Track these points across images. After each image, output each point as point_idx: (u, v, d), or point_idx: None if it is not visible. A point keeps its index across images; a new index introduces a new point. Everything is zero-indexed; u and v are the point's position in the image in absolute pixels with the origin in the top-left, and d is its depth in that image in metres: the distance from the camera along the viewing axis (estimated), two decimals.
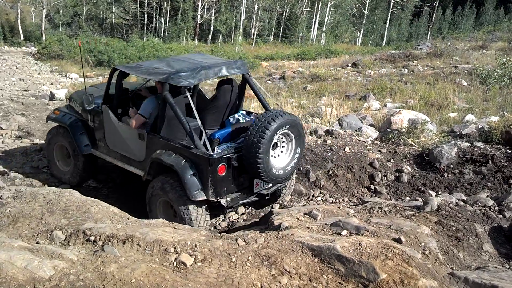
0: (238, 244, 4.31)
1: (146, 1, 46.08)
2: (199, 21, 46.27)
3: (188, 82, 5.59)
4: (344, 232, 4.53)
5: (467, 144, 7.48)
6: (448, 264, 4.40)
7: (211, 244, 4.28)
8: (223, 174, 5.43)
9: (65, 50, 28.33)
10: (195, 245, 4.22)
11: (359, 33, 54.06)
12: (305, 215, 5.16)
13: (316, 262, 4.06)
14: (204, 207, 5.57)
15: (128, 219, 5.10)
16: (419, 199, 6.56)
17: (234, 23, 47.91)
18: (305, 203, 6.90)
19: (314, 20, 49.30)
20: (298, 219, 5.03)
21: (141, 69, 6.02)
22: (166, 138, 5.71)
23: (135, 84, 6.98)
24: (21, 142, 8.81)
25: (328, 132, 8.39)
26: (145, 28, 46.76)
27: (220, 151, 5.41)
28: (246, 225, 6.09)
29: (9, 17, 49.85)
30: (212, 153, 5.28)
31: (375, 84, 15.94)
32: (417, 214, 5.24)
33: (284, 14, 49.23)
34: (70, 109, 7.11)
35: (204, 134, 5.41)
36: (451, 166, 7.24)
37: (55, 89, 16.27)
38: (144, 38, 42.22)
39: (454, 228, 5.05)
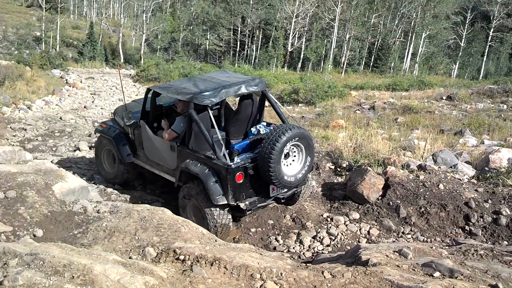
0: (324, 277, 4.26)
1: (239, 29, 47.46)
2: (289, 49, 46.87)
3: (210, 101, 6.37)
4: (437, 274, 4.34)
5: None
6: None
7: (296, 274, 4.27)
8: (241, 181, 6.19)
9: (162, 74, 29.73)
10: (281, 274, 4.22)
11: (454, 66, 52.10)
12: (395, 253, 5.00)
13: None
14: (226, 210, 6.36)
15: (215, 241, 5.22)
16: None
17: (324, 52, 47.96)
18: (394, 239, 6.69)
19: (407, 50, 48.20)
20: (387, 256, 4.89)
21: (171, 89, 6.89)
22: (193, 149, 6.57)
23: (169, 99, 7.80)
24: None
25: (421, 167, 8.11)
26: (237, 54, 48.09)
27: (238, 161, 6.22)
28: (331, 257, 5.99)
29: (111, 40, 53.48)
30: (230, 163, 6.09)
31: (471, 119, 15.23)
32: None
33: (376, 43, 48.60)
34: (114, 122, 8.17)
35: (223, 147, 6.21)
36: None
37: None
38: (236, 64, 43.40)
39: None
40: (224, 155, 6.16)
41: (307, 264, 4.83)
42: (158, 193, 7.77)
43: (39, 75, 27.77)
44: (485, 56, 52.30)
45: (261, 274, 4.19)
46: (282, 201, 7.01)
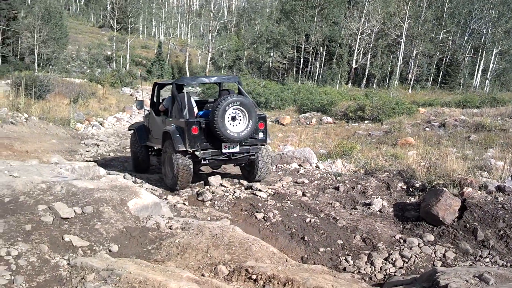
0: None
1: (303, 46, 47.54)
2: (354, 65, 46.39)
3: (186, 82, 9.84)
4: None
5: None
6: None
7: None
8: (196, 133, 8.28)
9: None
10: None
11: None
12: (475, 278, 4.74)
13: None
14: (187, 156, 8.40)
15: (286, 261, 5.16)
16: None
17: (390, 68, 47.11)
18: (471, 263, 6.35)
19: (477, 66, 46.39)
20: (467, 281, 4.65)
21: (169, 81, 10.30)
22: (173, 118, 8.98)
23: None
24: None
25: (500, 189, 7.70)
26: (300, 71, 48.11)
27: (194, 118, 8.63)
28: (404, 279, 5.77)
29: (178, 59, 55.21)
30: (188, 118, 8.46)
31: None
32: None
33: (444, 60, 47.14)
34: (144, 119, 10.92)
35: (186, 109, 8.63)
36: None
37: None
38: (299, 81, 43.44)
39: None
40: (186, 114, 8.55)
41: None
42: (226, 209, 7.80)
43: (110, 93, 29.04)
44: None
45: None
46: (233, 157, 8.74)
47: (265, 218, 7.53)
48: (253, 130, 8.58)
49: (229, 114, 8.25)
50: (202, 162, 8.58)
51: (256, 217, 7.57)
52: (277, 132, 19.17)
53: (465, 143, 13.57)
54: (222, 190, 8.69)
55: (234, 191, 8.65)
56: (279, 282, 4.29)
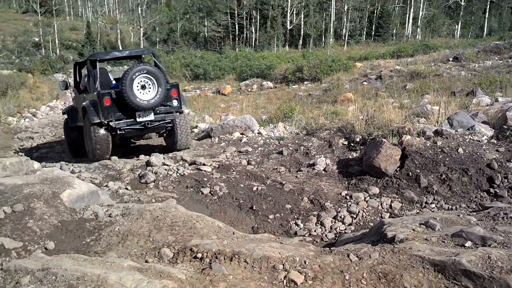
0: (351, 260, 4.06)
1: (236, 12, 46.89)
2: (288, 27, 46.28)
3: (99, 57, 9.52)
4: (468, 244, 4.12)
5: None
6: None
7: (321, 260, 4.07)
8: (109, 104, 8.49)
9: (163, 66, 29.53)
10: (305, 262, 4.03)
11: (457, 26, 51.08)
12: (421, 225, 4.78)
13: (439, 278, 3.71)
14: (103, 128, 8.62)
15: (233, 233, 5.03)
16: None
17: (324, 26, 47.32)
18: (417, 211, 6.46)
19: (407, 15, 47.34)
20: (413, 230, 4.67)
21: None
22: (89, 93, 9.19)
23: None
24: (128, 158, 9.20)
25: (437, 133, 7.84)
26: (237, 38, 47.60)
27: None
28: (355, 236, 5.79)
29: (110, 37, 53.27)
30: (99, 90, 8.67)
31: (481, 78, 14.87)
32: None
33: (375, 12, 47.81)
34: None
35: (97, 82, 8.88)
36: None
37: None
38: (237, 49, 42.98)
39: None
40: (97, 87, 8.80)
41: (331, 248, 4.62)
42: (171, 189, 7.57)
43: (42, 81, 27.67)
44: (487, 13, 51.23)
45: (283, 265, 4.00)
46: (149, 125, 8.91)
47: (212, 192, 7.37)
48: (164, 97, 8.79)
49: (138, 83, 8.51)
50: (119, 132, 8.80)
51: (202, 193, 7.39)
52: (219, 103, 18.91)
53: (402, 92, 13.80)
54: (165, 169, 8.40)
55: (177, 168, 8.39)
56: (226, 257, 4.16)
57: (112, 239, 4.87)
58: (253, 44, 46.40)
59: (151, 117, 8.83)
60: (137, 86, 8.48)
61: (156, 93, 8.64)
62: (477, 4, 52.84)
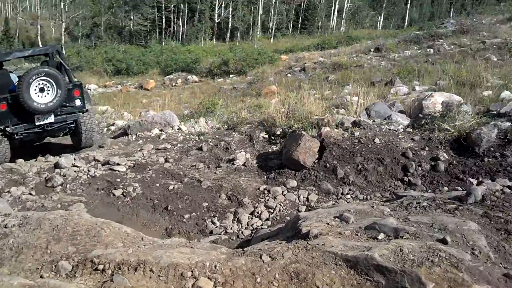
0: (263, 261, 3.84)
1: (163, 5, 45.87)
2: (216, 20, 45.86)
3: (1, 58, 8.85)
4: (381, 236, 4.02)
5: (508, 124, 6.81)
6: (501, 264, 3.83)
7: (232, 263, 3.83)
8: (4, 109, 8.11)
9: (84, 62, 28.35)
10: (215, 266, 3.77)
11: (379, 17, 52.70)
12: (336, 219, 4.65)
13: (352, 275, 3.57)
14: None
15: (142, 239, 4.69)
16: (459, 188, 5.94)
17: (251, 19, 47.33)
18: (333, 202, 6.38)
19: (333, 8, 48.27)
20: (328, 224, 4.53)
21: None
22: None
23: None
24: (35, 161, 8.55)
25: (356, 123, 7.82)
26: (164, 32, 46.60)
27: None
28: (271, 231, 5.61)
29: (29, 33, 50.64)
30: None
31: (400, 68, 15.25)
32: (460, 208, 4.67)
33: (302, 5, 48.36)
34: None
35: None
36: (492, 149, 6.60)
37: None
38: (163, 43, 42.06)
39: (502, 220, 4.45)
40: None
41: (244, 249, 4.39)
42: (80, 192, 7.07)
43: None
44: (409, 4, 53.21)
45: (192, 271, 3.72)
46: (49, 128, 8.60)
47: (125, 194, 6.95)
48: (63, 99, 8.49)
49: (36, 86, 8.17)
50: (16, 137, 8.44)
51: (114, 195, 6.94)
52: (141, 99, 18.29)
53: (324, 84, 13.86)
54: (75, 171, 7.84)
55: (88, 170, 7.86)
56: (130, 267, 3.82)
57: (5, 253, 4.38)
58: (180, 38, 45.59)
59: (51, 119, 8.53)
60: (35, 90, 8.16)
61: (56, 95, 8.31)
62: None
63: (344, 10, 48.49)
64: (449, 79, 11.68)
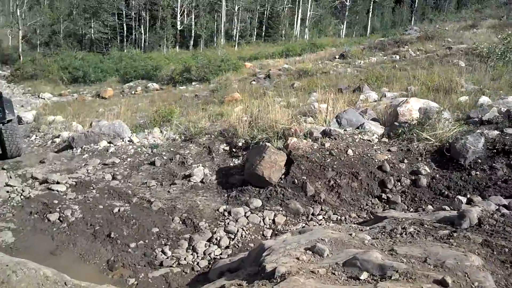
0: None
1: (124, 13, 44.55)
2: (179, 27, 44.79)
3: None
4: (364, 276, 3.23)
5: (496, 132, 6.15)
6: None
7: None
8: None
9: (39, 70, 26.87)
10: None
11: (342, 26, 52.65)
12: (307, 251, 3.84)
13: None
14: None
15: (65, 284, 3.74)
16: (447, 208, 5.19)
17: (215, 27, 46.52)
18: (303, 224, 5.56)
19: (296, 16, 47.91)
20: (298, 258, 3.71)
21: None
22: None
23: None
24: None
25: (325, 133, 7.03)
26: (126, 40, 45.24)
27: None
28: (232, 262, 4.76)
29: None
30: None
31: (367, 74, 14.65)
32: (455, 235, 3.91)
33: (265, 13, 47.87)
34: None
35: None
36: (479, 161, 5.91)
37: (23, 112, 14.93)
38: (125, 50, 40.71)
39: (507, 250, 3.72)
40: None
41: None
42: (9, 217, 6.03)
43: None
44: (370, 13, 53.53)
45: None
46: None
47: (61, 219, 5.97)
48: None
49: None
50: None
51: (49, 220, 5.97)
52: (97, 107, 17.11)
53: (290, 91, 13.12)
54: (8, 191, 6.80)
55: (23, 189, 6.83)
56: None
57: None
58: (143, 45, 44.37)
59: None
60: None
61: None
62: (361, 5, 54.91)
63: (307, 18, 48.20)
64: (420, 85, 11.08)
